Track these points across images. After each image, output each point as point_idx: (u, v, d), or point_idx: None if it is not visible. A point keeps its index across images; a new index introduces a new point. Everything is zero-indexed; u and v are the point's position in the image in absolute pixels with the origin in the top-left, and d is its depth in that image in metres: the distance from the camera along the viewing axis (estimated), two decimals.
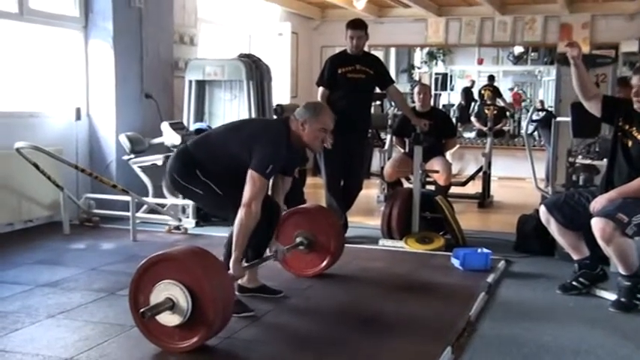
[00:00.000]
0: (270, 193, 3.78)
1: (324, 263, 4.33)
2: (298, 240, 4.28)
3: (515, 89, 13.37)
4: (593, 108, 4.03)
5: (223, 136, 3.71)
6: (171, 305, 2.95)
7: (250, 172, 3.39)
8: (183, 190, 3.75)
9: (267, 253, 3.87)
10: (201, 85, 6.81)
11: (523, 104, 13.00)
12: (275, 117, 6.41)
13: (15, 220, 5.58)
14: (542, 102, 11.24)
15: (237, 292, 3.61)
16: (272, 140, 3.53)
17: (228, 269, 3.40)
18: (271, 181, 3.72)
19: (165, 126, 6.05)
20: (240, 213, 3.36)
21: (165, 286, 2.96)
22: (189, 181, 3.63)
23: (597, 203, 3.81)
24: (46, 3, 6.01)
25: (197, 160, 3.62)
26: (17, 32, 5.91)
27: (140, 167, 6.12)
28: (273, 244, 3.86)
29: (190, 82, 6.77)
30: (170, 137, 5.96)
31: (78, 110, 6.27)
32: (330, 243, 4.32)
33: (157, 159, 5.99)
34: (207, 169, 3.59)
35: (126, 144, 6.05)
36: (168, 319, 2.98)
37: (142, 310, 2.94)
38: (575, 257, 4.13)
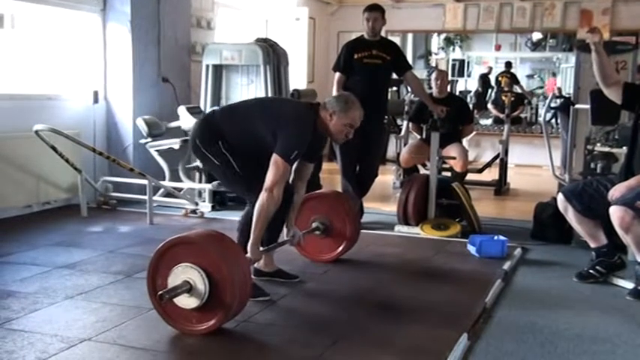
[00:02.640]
0: (292, 178, 3.76)
1: (340, 248, 4.34)
2: (314, 225, 4.29)
3: (551, 77, 13.20)
4: (614, 95, 3.99)
5: (252, 111, 3.68)
6: (188, 288, 2.97)
7: (274, 157, 3.38)
8: (201, 157, 3.74)
9: (285, 237, 3.88)
10: (218, 69, 6.80)
11: (540, 91, 12.86)
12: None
13: (33, 202, 5.64)
14: (559, 89, 11.14)
15: (253, 276, 3.63)
16: (300, 126, 3.50)
17: (244, 253, 3.42)
18: (294, 167, 3.70)
19: (182, 110, 6.07)
20: (262, 197, 3.36)
21: (183, 269, 2.99)
22: (209, 149, 3.62)
23: (616, 191, 3.79)
24: None
25: (221, 130, 3.60)
26: (36, 15, 5.93)
27: (157, 151, 6.15)
28: (292, 228, 3.86)
29: (207, 66, 6.76)
30: (187, 121, 5.98)
31: (96, 93, 6.32)
32: (346, 228, 4.33)
33: (174, 143, 6.02)
34: (229, 141, 3.58)
35: (143, 127, 6.07)
36: (186, 301, 3.00)
37: (160, 292, 2.97)
38: (592, 245, 4.11)
